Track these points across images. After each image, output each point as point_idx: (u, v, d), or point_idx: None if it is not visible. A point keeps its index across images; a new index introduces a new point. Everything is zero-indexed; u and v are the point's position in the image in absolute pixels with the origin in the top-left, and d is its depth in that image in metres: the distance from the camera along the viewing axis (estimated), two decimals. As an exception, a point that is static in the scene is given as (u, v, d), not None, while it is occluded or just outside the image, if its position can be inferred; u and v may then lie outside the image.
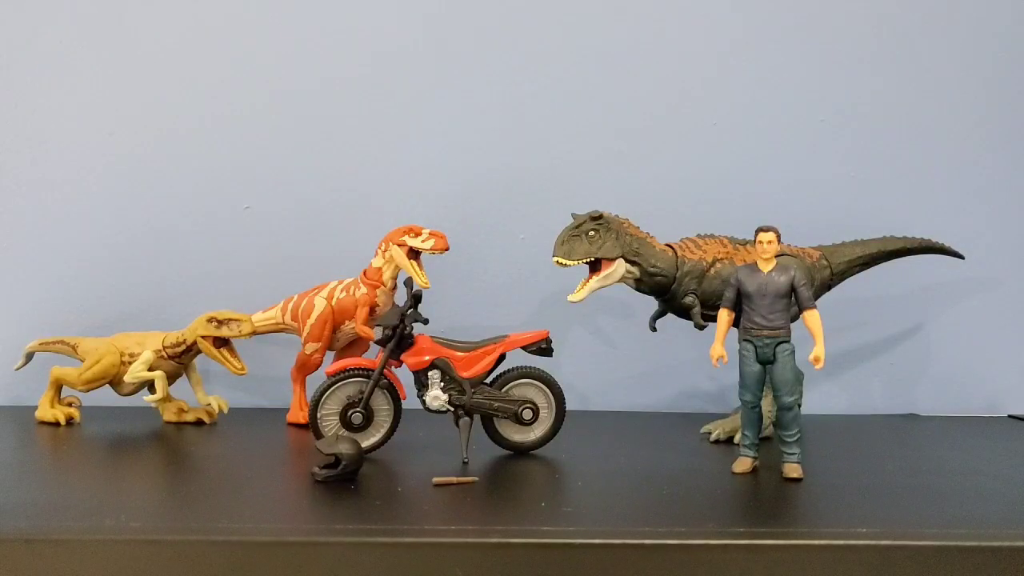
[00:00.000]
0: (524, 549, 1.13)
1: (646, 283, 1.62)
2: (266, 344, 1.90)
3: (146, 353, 1.74)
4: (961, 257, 1.91)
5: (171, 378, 1.77)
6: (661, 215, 1.78)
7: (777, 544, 1.14)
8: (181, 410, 1.79)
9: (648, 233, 1.64)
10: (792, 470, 1.43)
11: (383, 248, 1.74)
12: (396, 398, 1.54)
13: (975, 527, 1.21)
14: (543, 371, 1.57)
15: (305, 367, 1.80)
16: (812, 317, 1.44)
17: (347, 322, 1.76)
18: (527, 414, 1.54)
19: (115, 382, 1.77)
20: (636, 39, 2.00)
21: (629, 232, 1.60)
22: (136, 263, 1.96)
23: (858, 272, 1.81)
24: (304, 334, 1.77)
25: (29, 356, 1.85)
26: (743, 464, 1.47)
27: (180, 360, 1.76)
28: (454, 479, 1.37)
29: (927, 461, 1.58)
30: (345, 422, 1.52)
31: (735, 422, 1.66)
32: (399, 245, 1.72)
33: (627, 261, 1.59)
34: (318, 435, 1.51)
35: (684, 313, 1.65)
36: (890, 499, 1.33)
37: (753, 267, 1.46)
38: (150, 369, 1.74)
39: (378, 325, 1.58)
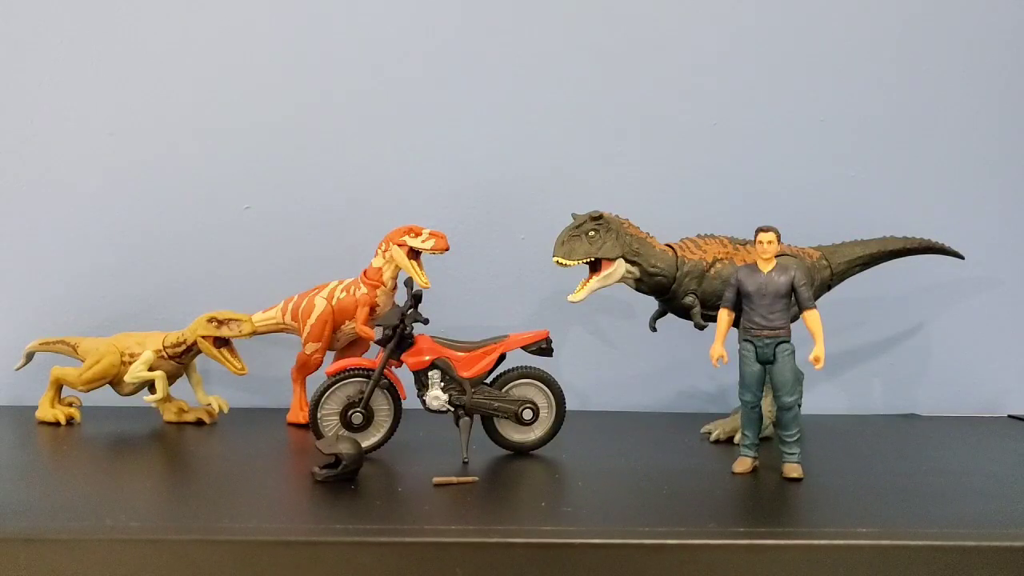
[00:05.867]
0: (524, 549, 1.13)
1: (646, 283, 1.62)
2: (266, 344, 1.90)
3: (146, 353, 1.74)
4: (961, 257, 1.91)
5: (171, 378, 1.77)
6: (661, 215, 1.78)
7: (777, 544, 1.14)
8: (181, 410, 1.79)
9: (648, 233, 1.64)
10: (792, 470, 1.43)
11: (383, 248, 1.74)
12: (396, 398, 1.54)
13: (975, 527, 1.21)
14: (543, 371, 1.57)
15: (305, 367, 1.80)
16: (812, 317, 1.44)
17: (347, 322, 1.76)
18: (527, 414, 1.54)
19: (115, 382, 1.77)
20: (636, 39, 2.00)
21: (629, 232, 1.60)
22: (137, 263, 1.96)
23: (858, 272, 1.81)
24: (304, 334, 1.77)
25: (29, 356, 1.85)
26: (743, 464, 1.47)
27: (180, 360, 1.76)
28: (454, 479, 1.37)
29: (927, 461, 1.58)
30: (345, 422, 1.52)
31: (735, 422, 1.66)
32: (399, 245, 1.72)
33: (627, 261, 1.59)
34: (318, 435, 1.51)
35: (684, 313, 1.65)
36: (890, 499, 1.33)
37: (753, 267, 1.46)
38: (150, 369, 1.74)
39: (378, 325, 1.58)
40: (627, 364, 2.02)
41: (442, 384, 1.52)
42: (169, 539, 1.12)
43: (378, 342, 1.55)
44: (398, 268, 1.73)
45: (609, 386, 2.02)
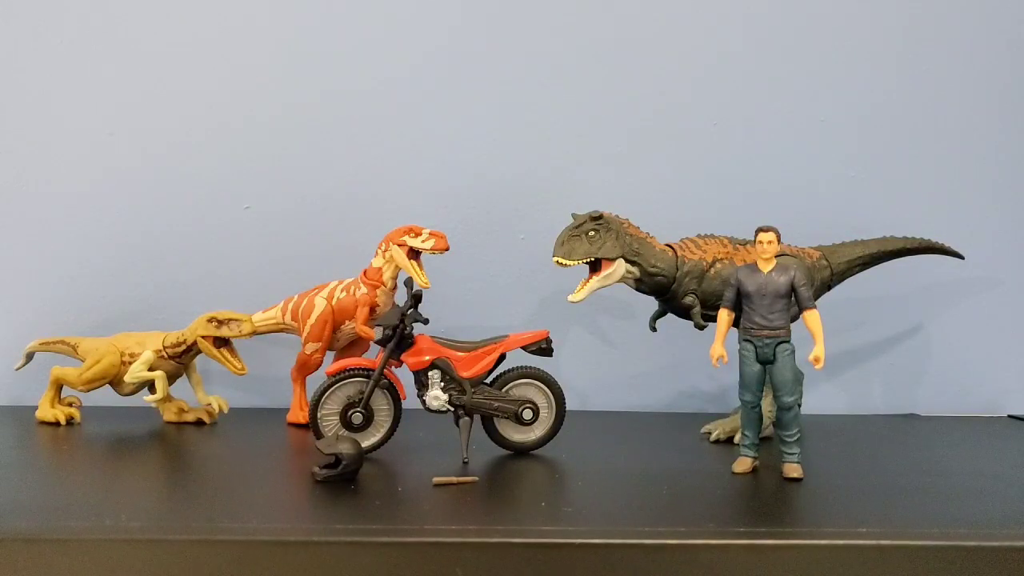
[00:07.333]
0: (524, 549, 1.13)
1: (646, 283, 1.62)
2: (266, 344, 1.90)
3: (146, 353, 1.74)
4: (961, 257, 1.91)
5: (171, 378, 1.77)
6: (661, 215, 1.78)
7: (777, 544, 1.14)
8: (181, 410, 1.79)
9: (648, 233, 1.64)
10: (792, 470, 1.43)
11: (383, 248, 1.74)
12: (396, 398, 1.54)
13: (975, 527, 1.21)
14: (543, 371, 1.57)
15: (305, 367, 1.80)
16: (812, 317, 1.44)
17: (347, 322, 1.76)
18: (527, 414, 1.54)
19: (115, 382, 1.77)
20: (636, 39, 2.00)
21: (629, 232, 1.60)
22: (136, 263, 1.96)
23: (858, 272, 1.81)
24: (304, 334, 1.77)
25: (29, 356, 1.85)
26: (743, 464, 1.47)
27: (180, 360, 1.76)
28: (454, 479, 1.37)
29: (927, 461, 1.58)
30: (345, 422, 1.52)
31: (735, 422, 1.66)
32: (399, 245, 1.72)
33: (627, 261, 1.59)
34: (318, 435, 1.51)
35: (684, 313, 1.65)
36: (890, 499, 1.33)
37: (753, 267, 1.46)
38: (150, 369, 1.74)
39: (378, 325, 1.58)
40: (627, 364, 2.02)
41: (442, 384, 1.52)
42: (169, 539, 1.12)
43: (378, 342, 1.55)
44: (398, 268, 1.74)
45: (609, 386, 2.02)
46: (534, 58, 1.99)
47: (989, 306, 2.05)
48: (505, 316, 1.97)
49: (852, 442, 1.73)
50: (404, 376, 1.54)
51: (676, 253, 1.63)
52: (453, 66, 1.98)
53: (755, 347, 1.45)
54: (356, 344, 1.81)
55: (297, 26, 1.96)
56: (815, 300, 1.50)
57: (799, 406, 1.46)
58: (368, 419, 1.52)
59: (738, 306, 1.47)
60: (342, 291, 1.76)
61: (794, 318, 1.48)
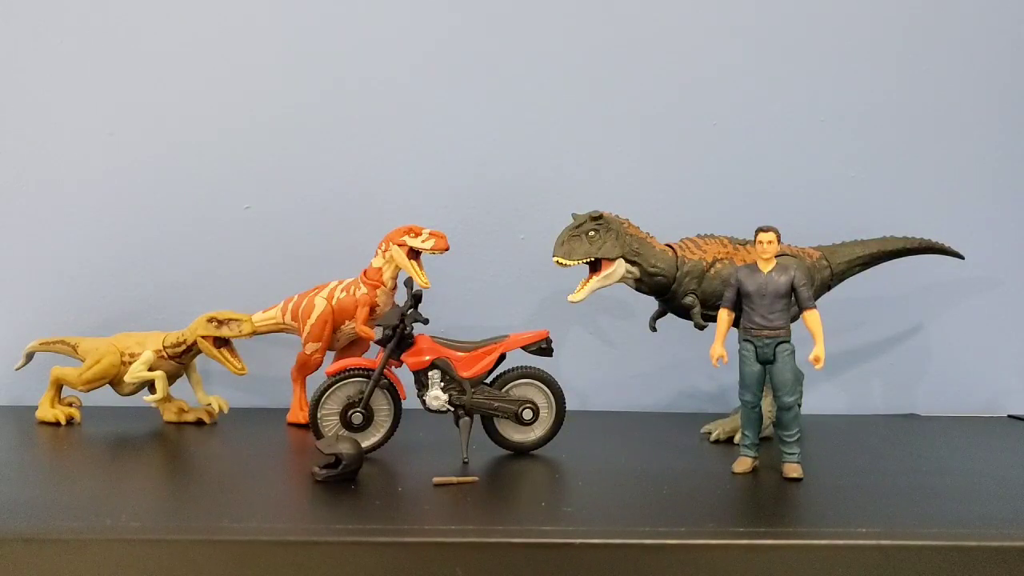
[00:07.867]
0: (524, 549, 1.13)
1: (646, 283, 1.62)
2: (266, 344, 1.90)
3: (146, 353, 1.74)
4: (961, 257, 1.91)
5: (171, 378, 1.77)
6: (661, 215, 1.78)
7: (777, 544, 1.14)
8: (181, 410, 1.79)
9: (648, 233, 1.64)
10: (792, 470, 1.43)
11: (383, 248, 1.74)
12: (396, 398, 1.54)
13: (975, 527, 1.21)
14: (543, 371, 1.57)
15: (305, 367, 1.80)
16: (812, 317, 1.44)
17: (347, 322, 1.76)
18: (527, 414, 1.54)
19: (115, 382, 1.77)
20: (636, 39, 2.00)
21: (629, 232, 1.60)
22: (136, 263, 1.96)
23: (858, 272, 1.81)
24: (304, 334, 1.77)
25: (29, 356, 1.85)
26: (743, 464, 1.47)
27: (180, 360, 1.76)
28: (454, 479, 1.37)
29: (927, 461, 1.58)
30: (345, 422, 1.52)
31: (735, 422, 1.66)
32: (399, 245, 1.72)
33: (627, 261, 1.59)
34: (318, 435, 1.51)
35: (684, 313, 1.65)
36: (890, 499, 1.33)
37: (753, 267, 1.46)
38: (150, 369, 1.74)
39: (378, 325, 1.58)
40: (627, 364, 2.02)
41: (442, 384, 1.52)
42: (169, 539, 1.12)
43: (378, 342, 1.55)
44: (398, 268, 1.74)
45: (609, 386, 2.02)
46: (534, 58, 1.99)
47: (989, 306, 2.05)
48: (505, 316, 1.97)
49: (852, 442, 1.73)
50: (404, 376, 1.54)
51: (676, 253, 1.63)
52: (453, 66, 1.98)
53: (755, 347, 1.45)
54: (356, 344, 1.81)
55: (297, 26, 1.96)
56: (815, 300, 1.50)
57: (799, 406, 1.46)
58: (368, 419, 1.52)
59: (738, 306, 1.47)
60: (342, 291, 1.76)
61: (794, 318, 1.48)
